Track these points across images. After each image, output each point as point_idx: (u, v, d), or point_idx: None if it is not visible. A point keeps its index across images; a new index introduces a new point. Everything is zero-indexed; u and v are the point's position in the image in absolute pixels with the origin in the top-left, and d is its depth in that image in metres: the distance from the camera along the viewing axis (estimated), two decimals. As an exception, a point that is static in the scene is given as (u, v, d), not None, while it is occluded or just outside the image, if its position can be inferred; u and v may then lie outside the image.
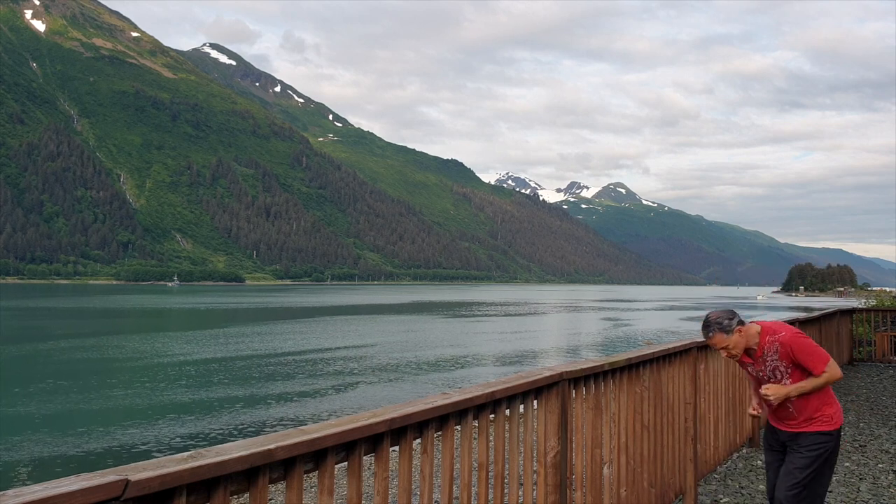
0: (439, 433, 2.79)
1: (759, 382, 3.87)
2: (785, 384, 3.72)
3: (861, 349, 14.91)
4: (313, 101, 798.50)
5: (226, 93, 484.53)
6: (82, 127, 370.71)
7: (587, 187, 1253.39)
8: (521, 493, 3.98)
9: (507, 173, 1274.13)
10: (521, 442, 3.44)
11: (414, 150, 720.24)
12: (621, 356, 4.38)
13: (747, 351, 3.80)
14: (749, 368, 3.87)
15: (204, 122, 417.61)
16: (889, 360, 14.10)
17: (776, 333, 3.74)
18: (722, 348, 3.76)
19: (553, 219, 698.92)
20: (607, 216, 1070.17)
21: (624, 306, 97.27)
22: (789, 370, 3.70)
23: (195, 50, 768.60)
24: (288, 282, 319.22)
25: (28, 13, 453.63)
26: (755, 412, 4.03)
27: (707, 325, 3.78)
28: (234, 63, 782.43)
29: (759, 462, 6.74)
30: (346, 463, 2.31)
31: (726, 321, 3.73)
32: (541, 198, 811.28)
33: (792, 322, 9.31)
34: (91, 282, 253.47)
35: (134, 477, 1.55)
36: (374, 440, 2.39)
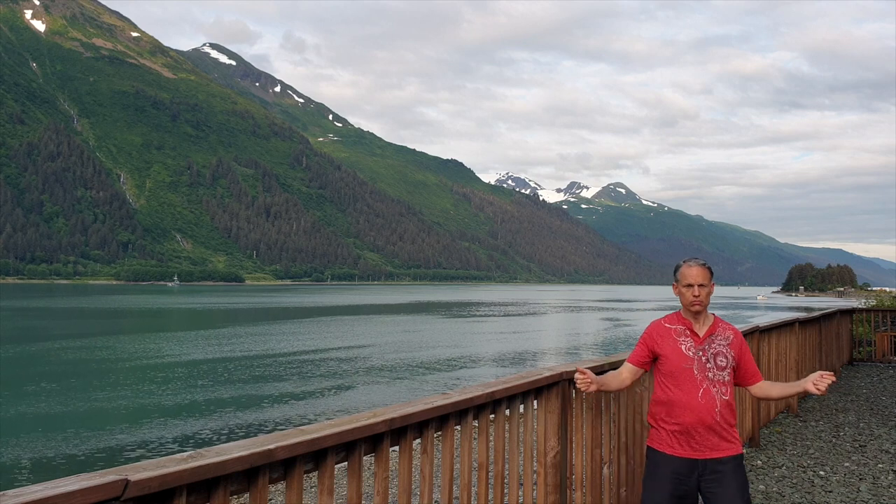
0: (439, 433, 2.79)
1: (677, 365, 3.37)
2: (724, 378, 3.33)
3: (861, 349, 14.91)
4: (313, 101, 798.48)
5: (226, 93, 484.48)
6: (82, 127, 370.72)
7: (587, 187, 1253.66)
8: (521, 493, 3.98)
9: (507, 173, 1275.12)
10: (521, 442, 3.44)
11: (413, 150, 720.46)
12: (621, 356, 4.38)
13: (693, 326, 3.41)
14: (683, 346, 3.37)
15: (204, 122, 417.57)
16: (889, 360, 14.10)
17: (727, 324, 3.50)
18: (699, 285, 3.34)
19: (553, 219, 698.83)
20: (607, 216, 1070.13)
21: (624, 306, 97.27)
22: (732, 365, 3.38)
23: (195, 50, 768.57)
24: (288, 282, 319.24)
25: (28, 13, 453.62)
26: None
27: (704, 260, 3.45)
28: (233, 63, 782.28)
29: (759, 462, 6.74)
30: (346, 463, 2.30)
31: (712, 270, 3.50)
32: (541, 198, 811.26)
33: (792, 322, 9.31)
34: (91, 282, 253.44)
35: (134, 477, 1.55)
36: (374, 440, 2.38)
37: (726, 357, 3.36)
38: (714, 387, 3.32)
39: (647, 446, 3.53)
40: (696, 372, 3.33)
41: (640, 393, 4.57)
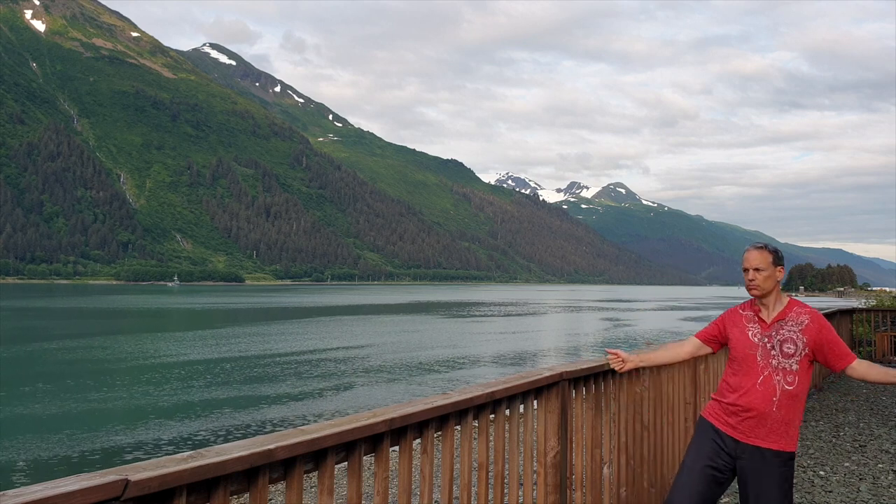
0: (439, 433, 2.79)
1: (742, 351, 3.32)
2: (791, 367, 3.21)
3: (861, 349, 14.90)
4: (313, 101, 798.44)
5: (226, 93, 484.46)
6: (82, 127, 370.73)
7: (587, 187, 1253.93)
8: (521, 493, 3.98)
9: (507, 173, 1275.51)
10: (521, 442, 3.44)
11: (413, 150, 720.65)
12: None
13: (761, 312, 3.35)
14: (750, 332, 3.33)
15: (204, 122, 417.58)
16: (889, 360, 14.09)
17: (805, 308, 3.38)
18: (755, 269, 3.31)
19: (553, 219, 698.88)
20: (607, 216, 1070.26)
21: (624, 306, 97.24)
22: (803, 351, 3.22)
23: (195, 50, 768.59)
24: (288, 282, 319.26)
25: (28, 13, 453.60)
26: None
27: (766, 244, 3.43)
28: (234, 63, 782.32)
29: (759, 462, 6.73)
30: (346, 463, 2.30)
31: (781, 253, 3.43)
32: (541, 198, 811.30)
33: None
34: (91, 282, 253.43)
35: (134, 477, 1.55)
36: (374, 440, 2.38)
37: (796, 344, 3.24)
38: (777, 374, 3.23)
39: (700, 416, 3.52)
40: (759, 358, 3.27)
41: (640, 393, 4.57)
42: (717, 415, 3.36)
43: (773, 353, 3.25)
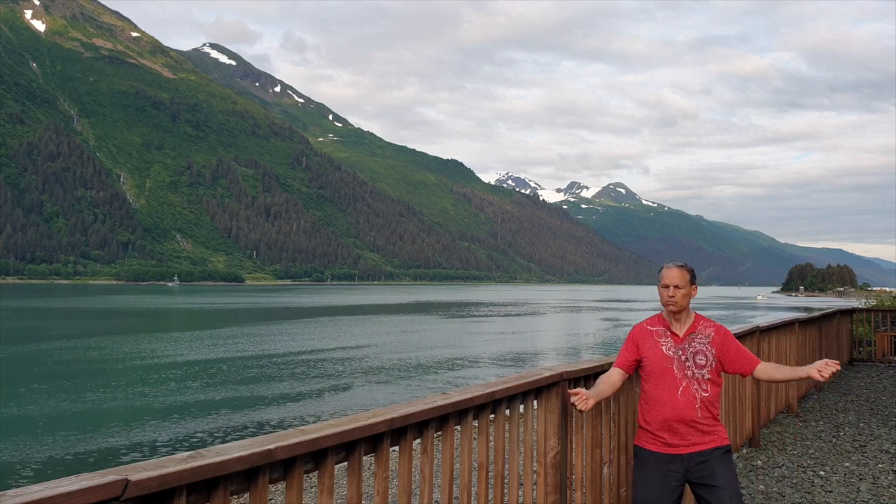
0: (439, 433, 2.79)
1: (658, 365, 3.46)
2: (704, 376, 3.40)
3: (861, 349, 14.91)
4: (313, 101, 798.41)
5: (226, 93, 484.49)
6: (82, 127, 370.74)
7: (587, 187, 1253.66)
8: (521, 493, 3.97)
9: (507, 173, 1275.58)
10: (521, 442, 3.44)
11: (413, 150, 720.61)
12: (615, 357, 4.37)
13: (673, 327, 3.50)
14: (663, 347, 3.47)
15: (204, 122, 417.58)
16: (889, 360, 14.09)
17: (710, 322, 3.58)
18: (674, 286, 3.44)
19: (553, 219, 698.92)
20: (607, 216, 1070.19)
21: (624, 306, 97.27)
22: (713, 363, 3.43)
23: (195, 50, 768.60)
24: (288, 282, 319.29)
25: (28, 13, 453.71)
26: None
27: (685, 263, 3.55)
28: (233, 63, 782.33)
29: (759, 462, 6.74)
30: (346, 463, 2.30)
31: (695, 273, 3.55)
32: (541, 198, 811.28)
33: (792, 322, 9.32)
34: (91, 282, 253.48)
35: (134, 477, 1.55)
36: (374, 440, 2.38)
37: (706, 356, 3.46)
38: (694, 384, 3.43)
39: (635, 444, 3.64)
40: (675, 370, 3.44)
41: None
42: (650, 437, 3.49)
43: (687, 364, 3.44)
